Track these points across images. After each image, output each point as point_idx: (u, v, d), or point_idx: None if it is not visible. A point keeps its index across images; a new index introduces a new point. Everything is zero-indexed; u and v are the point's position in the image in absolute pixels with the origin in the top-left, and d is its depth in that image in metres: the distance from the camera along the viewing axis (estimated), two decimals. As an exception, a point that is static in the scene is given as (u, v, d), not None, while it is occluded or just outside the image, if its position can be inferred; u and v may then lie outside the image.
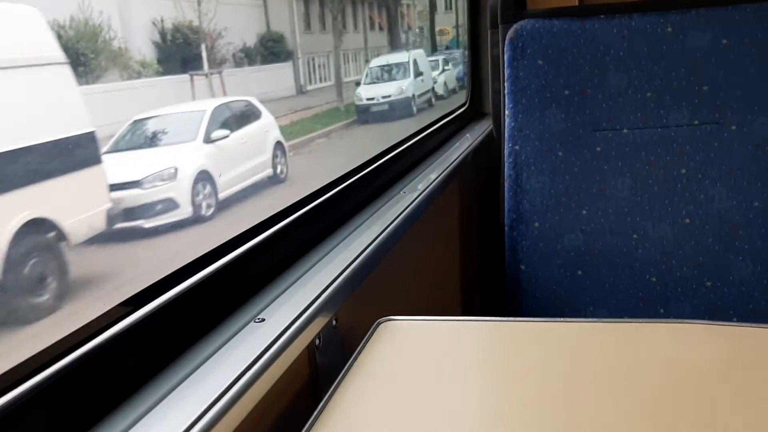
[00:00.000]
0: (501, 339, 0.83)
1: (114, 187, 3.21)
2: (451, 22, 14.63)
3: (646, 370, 0.71)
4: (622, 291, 1.47)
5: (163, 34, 5.22)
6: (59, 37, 3.58)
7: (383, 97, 9.47)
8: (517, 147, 1.49)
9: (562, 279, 1.48)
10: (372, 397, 0.71)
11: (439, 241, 1.55)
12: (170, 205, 3.61)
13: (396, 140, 1.53)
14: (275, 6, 8.99)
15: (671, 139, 1.44)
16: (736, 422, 0.62)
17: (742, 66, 1.40)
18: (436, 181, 1.37)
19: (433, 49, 13.99)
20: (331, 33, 10.86)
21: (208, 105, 4.58)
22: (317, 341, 0.85)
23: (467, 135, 1.90)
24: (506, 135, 1.51)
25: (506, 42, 1.49)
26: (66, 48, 3.66)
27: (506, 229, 1.51)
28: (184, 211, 3.71)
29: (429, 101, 10.27)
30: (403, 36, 14.13)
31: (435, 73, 11.06)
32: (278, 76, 8.81)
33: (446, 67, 11.58)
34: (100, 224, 2.76)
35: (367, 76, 10.21)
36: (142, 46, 4.97)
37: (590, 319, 0.88)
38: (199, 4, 5.42)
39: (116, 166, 3.54)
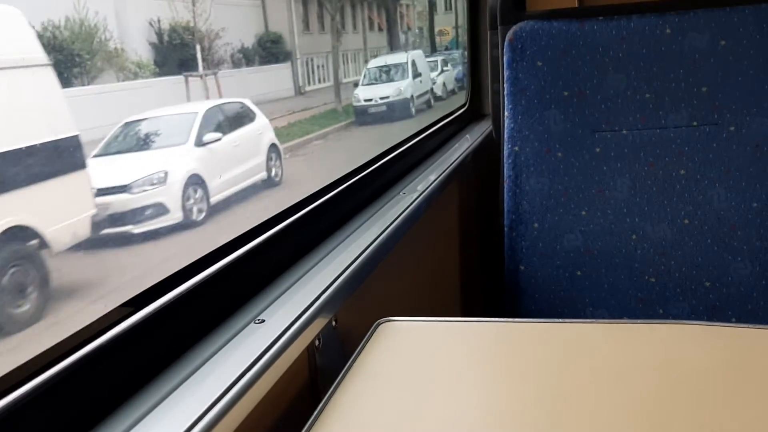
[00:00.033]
0: (500, 340, 0.83)
1: (102, 192, 3.17)
2: (450, 22, 14.62)
3: (645, 370, 0.71)
4: (621, 291, 1.47)
5: (160, 34, 5.20)
6: (54, 38, 3.55)
7: (381, 99, 9.40)
8: (516, 148, 1.49)
9: (561, 279, 1.48)
10: (372, 397, 0.71)
11: (438, 241, 1.55)
12: (160, 210, 3.54)
13: (393, 143, 1.53)
14: (274, 6, 8.98)
15: (670, 140, 1.44)
16: (735, 423, 0.62)
17: (741, 67, 1.41)
18: (436, 182, 1.38)
19: (433, 50, 13.97)
20: (330, 33, 10.85)
21: (200, 107, 4.51)
22: (317, 342, 0.85)
23: (467, 136, 1.90)
24: (506, 136, 1.51)
25: (506, 43, 1.49)
26: (61, 49, 3.63)
27: (506, 229, 1.51)
28: (174, 216, 3.64)
29: (428, 102, 10.24)
30: (402, 36, 14.11)
31: (434, 74, 11.03)
32: (277, 77, 8.79)
33: (445, 68, 11.53)
34: (84, 231, 2.68)
35: (365, 77, 10.16)
36: (139, 47, 4.95)
37: (589, 320, 0.88)
38: (193, 4, 5.38)
39: (105, 170, 3.50)
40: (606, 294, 1.47)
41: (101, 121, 3.73)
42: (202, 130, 4.23)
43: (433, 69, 11.12)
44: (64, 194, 2.64)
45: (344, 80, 10.30)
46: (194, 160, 4.04)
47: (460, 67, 11.40)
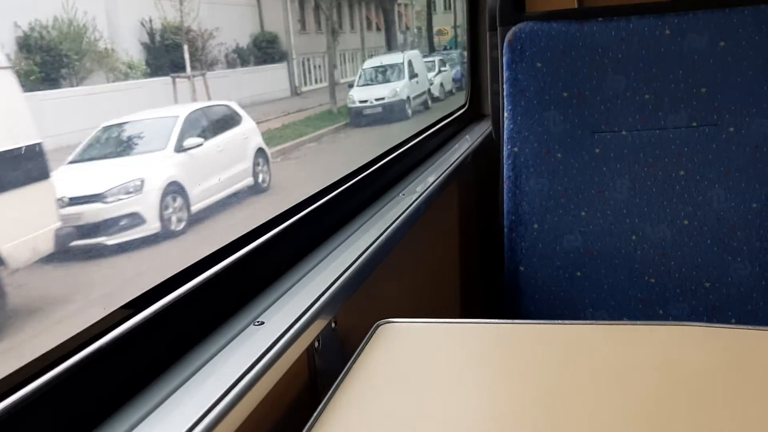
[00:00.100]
0: (500, 341, 0.83)
1: (74, 201, 3.03)
2: (449, 22, 14.62)
3: (645, 372, 0.71)
4: (621, 292, 1.47)
5: (151, 34, 5.15)
6: (41, 38, 3.49)
7: (376, 100, 9.27)
8: (516, 149, 1.49)
9: (561, 280, 1.48)
10: (371, 399, 0.71)
11: (438, 243, 1.55)
12: (135, 220, 3.39)
13: (388, 146, 1.50)
14: (269, 5, 8.95)
15: (669, 141, 1.44)
16: (735, 424, 0.62)
17: (740, 68, 1.41)
18: (436, 182, 1.38)
19: (431, 50, 13.94)
20: (326, 33, 10.82)
21: (182, 110, 4.31)
22: (316, 344, 0.85)
23: (467, 137, 1.90)
24: (505, 137, 1.51)
25: (505, 44, 1.49)
26: (48, 49, 3.57)
27: (505, 230, 1.51)
28: (151, 227, 3.48)
29: (425, 103, 10.17)
30: (401, 36, 14.10)
31: (431, 75, 10.98)
32: (273, 78, 8.74)
33: (443, 68, 11.46)
34: (46, 246, 2.46)
35: (360, 77, 10.04)
36: (130, 47, 4.88)
37: (589, 321, 0.88)
38: (180, 3, 5.31)
39: (79, 178, 3.36)
40: (606, 295, 1.47)
41: (88, 123, 3.61)
42: (183, 134, 4.06)
43: (430, 69, 11.06)
44: (22, 208, 2.44)
45: (342, 81, 10.24)
46: (174, 167, 3.86)
47: (458, 67, 11.35)
